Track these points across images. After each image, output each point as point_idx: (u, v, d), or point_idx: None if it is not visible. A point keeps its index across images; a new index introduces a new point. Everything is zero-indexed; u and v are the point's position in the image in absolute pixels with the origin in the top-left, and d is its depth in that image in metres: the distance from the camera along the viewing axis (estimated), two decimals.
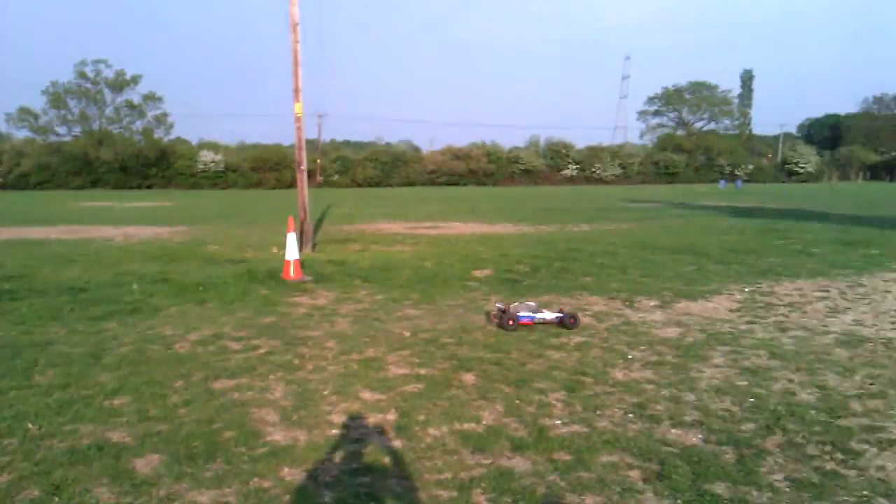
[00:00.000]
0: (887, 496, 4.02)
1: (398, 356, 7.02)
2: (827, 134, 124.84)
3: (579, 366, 6.65)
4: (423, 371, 6.49)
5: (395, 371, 6.51)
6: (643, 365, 6.71)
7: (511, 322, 8.11)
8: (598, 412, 5.39)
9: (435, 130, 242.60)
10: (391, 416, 5.30)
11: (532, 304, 8.58)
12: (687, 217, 27.42)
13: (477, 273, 12.28)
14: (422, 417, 5.26)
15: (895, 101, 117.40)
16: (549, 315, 8.31)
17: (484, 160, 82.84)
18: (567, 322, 8.19)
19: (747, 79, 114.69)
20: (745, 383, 6.09)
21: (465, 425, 5.10)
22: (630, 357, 7.00)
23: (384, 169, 78.50)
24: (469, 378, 6.27)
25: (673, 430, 5.01)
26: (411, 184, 77.77)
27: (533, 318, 8.26)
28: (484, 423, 5.16)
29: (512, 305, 8.49)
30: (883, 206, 35.19)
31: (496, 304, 8.92)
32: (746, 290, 10.71)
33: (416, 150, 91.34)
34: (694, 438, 4.87)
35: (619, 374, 6.41)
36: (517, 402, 5.61)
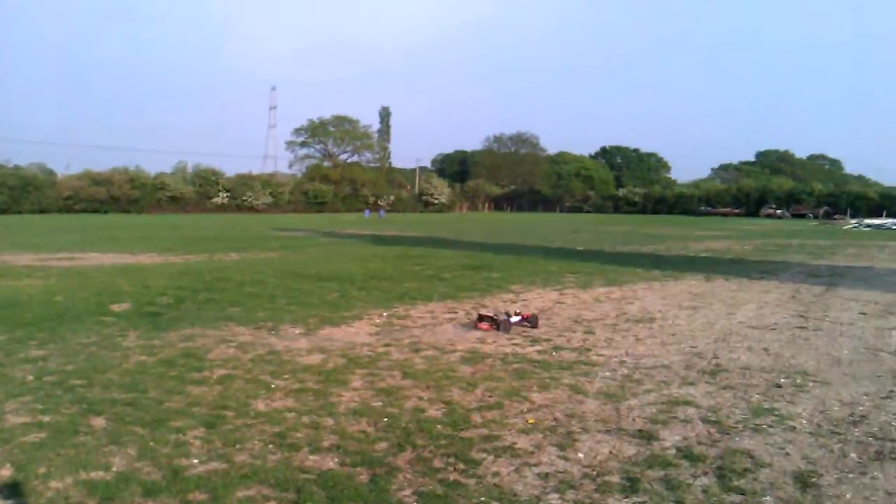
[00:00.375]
0: (500, 499, 4.45)
1: (18, 403, 6.33)
2: (457, 168, 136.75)
3: (221, 399, 6.51)
4: (46, 418, 5.91)
5: (13, 420, 5.86)
6: (286, 393, 6.76)
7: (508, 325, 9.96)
8: (238, 446, 5.31)
9: (71, 153, 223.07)
10: (5, 472, 4.75)
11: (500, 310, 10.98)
12: (334, 245, 28.26)
13: (115, 307, 11.50)
14: (42, 470, 4.78)
15: (511, 141, 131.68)
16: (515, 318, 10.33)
17: (127, 186, 78.01)
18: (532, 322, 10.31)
19: (385, 115, 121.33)
20: (381, 404, 6.41)
21: (93, 474, 4.74)
22: (273, 386, 7.01)
23: (12, 194, 70.39)
24: (99, 422, 5.83)
25: (311, 457, 5.10)
26: (44, 211, 70.72)
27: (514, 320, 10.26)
28: (114, 469, 4.83)
29: (498, 312, 10.44)
30: (504, 233, 39.25)
31: (482, 312, 10.54)
32: (385, 314, 11.29)
33: (51, 173, 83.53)
34: (331, 462, 5.00)
35: (261, 405, 6.38)
36: (152, 443, 5.33)
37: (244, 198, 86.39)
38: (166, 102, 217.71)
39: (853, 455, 5.21)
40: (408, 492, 4.54)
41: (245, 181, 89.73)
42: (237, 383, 7.11)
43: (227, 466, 4.91)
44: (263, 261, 20.58)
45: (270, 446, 5.32)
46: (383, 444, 5.35)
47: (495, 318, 10.10)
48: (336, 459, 5.06)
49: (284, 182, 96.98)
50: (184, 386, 6.98)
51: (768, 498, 4.46)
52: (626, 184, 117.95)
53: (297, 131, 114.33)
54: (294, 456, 5.12)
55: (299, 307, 11.82)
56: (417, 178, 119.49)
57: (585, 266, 19.59)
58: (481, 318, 10.31)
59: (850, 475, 4.82)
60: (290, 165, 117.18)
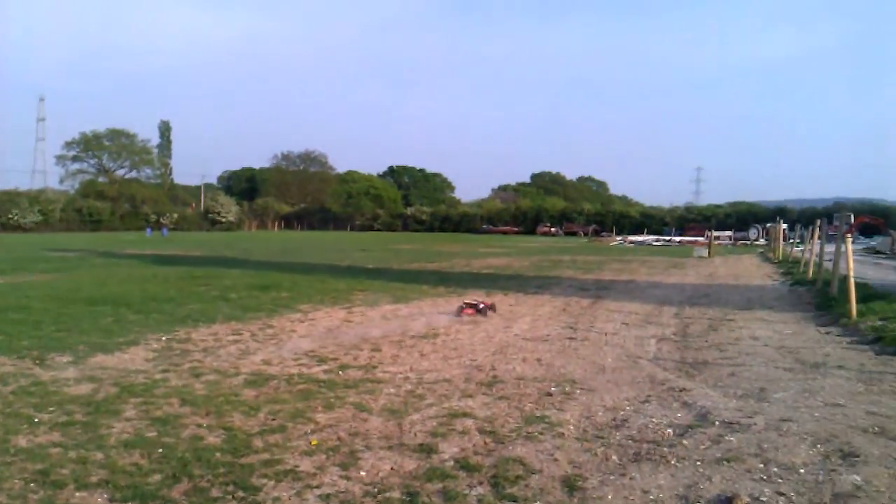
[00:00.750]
0: None
1: None
2: (245, 185, 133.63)
3: None
4: None
5: None
6: (51, 427, 6.29)
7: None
8: None
9: None
10: None
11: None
12: (110, 266, 26.60)
13: None
14: None
15: (300, 159, 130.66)
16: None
17: None
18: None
19: (165, 130, 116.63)
20: (155, 433, 6.12)
21: None
22: (36, 420, 6.50)
23: None
24: None
25: (77, 494, 4.79)
26: None
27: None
28: None
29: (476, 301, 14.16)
30: (293, 252, 38.76)
31: (467, 301, 14.25)
32: (164, 338, 10.80)
33: None
34: (99, 499, 4.72)
35: (22, 441, 5.91)
36: None
37: (9, 216, 79.44)
38: None
39: (615, 457, 5.63)
40: None
41: (10, 197, 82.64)
42: None
43: None
44: (30, 284, 19.00)
45: (32, 485, 4.94)
46: (157, 476, 5.11)
47: (476, 305, 13.82)
48: (105, 495, 4.77)
49: (55, 199, 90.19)
50: None
51: (538, 503, 4.72)
52: (413, 202, 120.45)
53: (69, 145, 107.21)
54: (58, 494, 4.78)
55: (68, 334, 11.03)
56: (203, 196, 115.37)
57: (374, 284, 19.80)
58: (466, 305, 13.89)
59: (612, 477, 5.20)
60: (62, 181, 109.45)
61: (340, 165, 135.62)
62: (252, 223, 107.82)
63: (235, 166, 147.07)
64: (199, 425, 6.39)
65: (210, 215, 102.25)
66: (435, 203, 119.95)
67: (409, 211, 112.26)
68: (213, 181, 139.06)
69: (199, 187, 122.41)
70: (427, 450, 5.76)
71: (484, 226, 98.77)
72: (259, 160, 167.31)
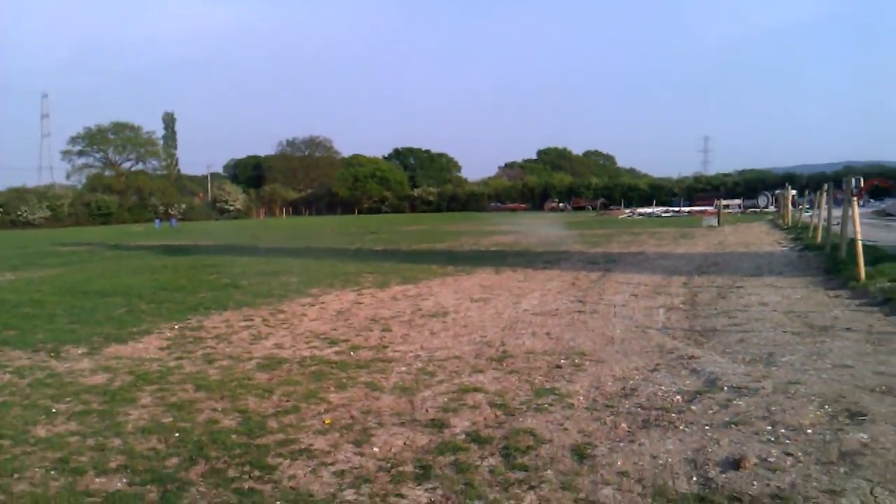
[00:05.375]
0: (296, 501, 4.49)
1: None
2: (251, 173, 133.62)
3: None
4: None
5: None
6: (68, 417, 6.41)
7: None
8: (17, 475, 5.00)
9: None
10: None
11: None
12: (121, 258, 26.78)
13: None
14: None
15: (304, 144, 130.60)
16: None
17: None
18: None
19: (169, 121, 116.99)
20: (171, 419, 6.23)
21: None
22: (54, 411, 6.62)
23: None
24: None
25: (97, 479, 4.90)
26: None
27: None
28: None
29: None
30: (302, 237, 38.92)
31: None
32: (177, 326, 10.91)
33: None
34: (118, 483, 4.83)
35: (41, 431, 6.02)
36: None
37: (19, 213, 79.93)
38: None
39: (624, 425, 5.70)
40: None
41: (19, 195, 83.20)
42: (14, 410, 6.65)
43: (6, 498, 4.61)
44: (42, 279, 19.16)
45: (52, 472, 5.05)
46: (174, 460, 5.22)
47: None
48: (124, 480, 4.88)
49: (63, 194, 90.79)
50: None
51: (549, 472, 4.79)
52: (420, 184, 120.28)
53: (74, 140, 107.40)
54: (79, 480, 4.89)
55: (82, 326, 11.16)
56: (210, 185, 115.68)
57: (383, 266, 19.88)
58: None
59: (621, 444, 5.27)
60: (69, 176, 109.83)
61: (346, 149, 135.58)
62: (260, 211, 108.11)
63: (241, 154, 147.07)
64: (214, 409, 6.49)
65: (218, 204, 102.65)
66: (442, 183, 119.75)
67: (416, 192, 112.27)
68: (220, 170, 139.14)
69: (205, 177, 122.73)
70: (439, 425, 5.84)
71: (491, 204, 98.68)
72: (264, 148, 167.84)
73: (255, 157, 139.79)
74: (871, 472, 4.47)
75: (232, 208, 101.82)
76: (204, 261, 23.51)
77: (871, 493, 4.21)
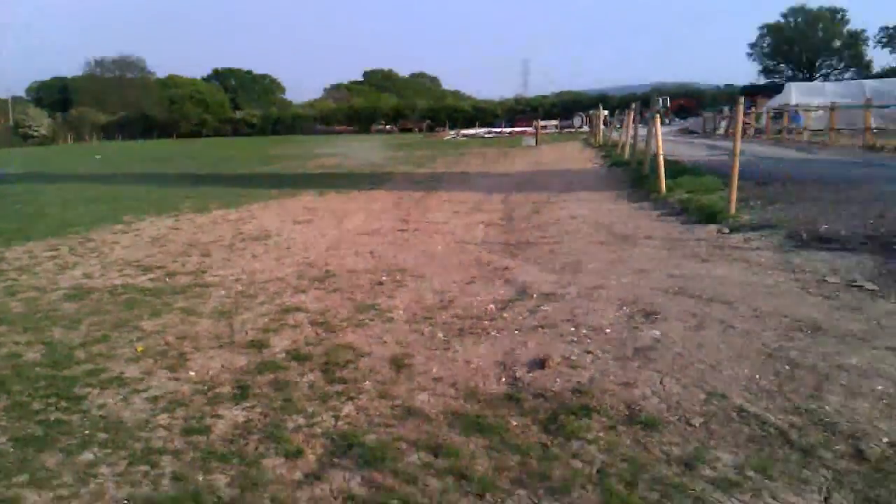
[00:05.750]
0: (106, 429, 4.36)
1: None
2: (57, 97, 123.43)
3: None
4: None
5: None
6: None
7: None
8: None
9: None
10: None
11: None
12: None
13: None
14: None
15: (115, 65, 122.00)
16: None
17: None
18: None
19: None
20: None
21: None
22: None
23: None
24: None
25: None
26: None
27: None
28: None
29: None
30: (115, 163, 36.77)
31: None
32: None
33: None
34: None
35: None
36: None
37: None
38: None
39: (440, 335, 5.91)
40: (2, 439, 4.27)
41: None
42: None
43: None
44: None
45: None
46: None
47: None
48: None
49: None
50: None
51: (367, 383, 4.92)
52: (242, 106, 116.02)
53: None
54: None
55: None
56: (11, 110, 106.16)
57: (203, 190, 19.24)
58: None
59: (437, 352, 5.48)
60: None
61: (161, 70, 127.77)
62: (68, 136, 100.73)
63: (45, 76, 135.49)
64: (17, 343, 6.13)
65: (21, 130, 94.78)
66: (265, 106, 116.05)
67: (238, 115, 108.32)
68: (22, 94, 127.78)
69: (5, 101, 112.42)
70: (258, 345, 5.81)
71: (317, 126, 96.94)
72: (70, 69, 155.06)
73: (61, 80, 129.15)
74: (661, 365, 4.90)
75: (37, 134, 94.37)
76: (6, 190, 21.79)
77: (661, 382, 4.61)
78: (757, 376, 4.60)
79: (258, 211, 14.60)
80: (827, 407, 4.11)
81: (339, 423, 4.32)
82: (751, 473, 3.50)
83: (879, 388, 4.31)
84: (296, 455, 3.92)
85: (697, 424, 4.04)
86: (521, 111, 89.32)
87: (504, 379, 4.86)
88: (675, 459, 3.69)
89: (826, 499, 3.28)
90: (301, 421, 4.36)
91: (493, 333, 5.81)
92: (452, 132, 71.07)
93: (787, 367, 4.70)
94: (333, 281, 8.06)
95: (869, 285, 6.60)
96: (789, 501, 3.26)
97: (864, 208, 10.26)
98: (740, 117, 11.06)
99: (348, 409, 4.51)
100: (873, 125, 26.64)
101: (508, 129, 69.63)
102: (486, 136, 62.55)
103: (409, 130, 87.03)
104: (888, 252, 7.71)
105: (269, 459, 3.90)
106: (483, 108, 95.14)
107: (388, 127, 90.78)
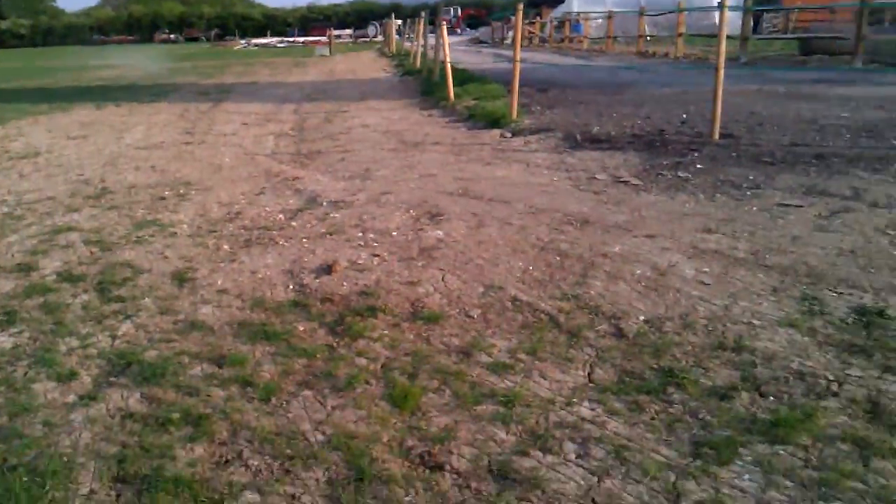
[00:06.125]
0: None
1: None
2: None
3: None
4: None
5: None
6: None
7: None
8: None
9: None
10: None
11: None
12: None
13: None
14: None
15: None
16: None
17: None
18: None
19: None
20: None
21: None
22: None
23: None
24: None
25: None
26: None
27: None
28: None
29: None
30: None
31: None
32: None
33: None
34: None
35: None
36: None
37: None
38: None
39: (226, 247, 5.79)
40: None
41: None
42: None
43: None
44: None
45: None
46: None
47: None
48: None
49: None
50: None
51: (147, 300, 4.75)
52: (7, 15, 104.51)
53: None
54: None
55: None
56: None
57: None
58: None
59: (222, 264, 5.37)
60: None
61: None
62: None
63: None
64: None
65: None
66: (34, 15, 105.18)
67: (3, 25, 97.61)
68: None
69: None
70: (25, 269, 5.43)
71: (95, 37, 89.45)
72: None
73: None
74: (443, 263, 5.09)
75: None
76: None
77: (443, 279, 4.81)
78: (530, 268, 4.91)
79: (26, 127, 13.41)
80: (592, 292, 4.48)
81: (117, 342, 4.16)
82: (522, 356, 3.77)
83: (638, 272, 4.73)
84: (69, 377, 3.75)
85: (476, 316, 4.28)
86: (315, 20, 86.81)
87: (291, 286, 4.86)
88: (454, 349, 3.90)
89: (589, 374, 3.60)
90: (74, 343, 4.17)
91: (281, 243, 5.77)
92: (243, 42, 68.07)
93: (558, 258, 5.04)
94: (111, 198, 7.63)
95: (634, 181, 7.16)
96: (556, 378, 3.56)
97: (633, 110, 11.01)
98: (519, 25, 11.35)
99: (126, 327, 4.36)
100: (647, 33, 28.30)
101: (302, 39, 67.59)
102: (279, 45, 60.46)
103: (196, 40, 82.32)
104: (652, 150, 8.37)
105: (39, 384, 3.71)
106: (275, 16, 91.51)
107: (172, 36, 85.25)
